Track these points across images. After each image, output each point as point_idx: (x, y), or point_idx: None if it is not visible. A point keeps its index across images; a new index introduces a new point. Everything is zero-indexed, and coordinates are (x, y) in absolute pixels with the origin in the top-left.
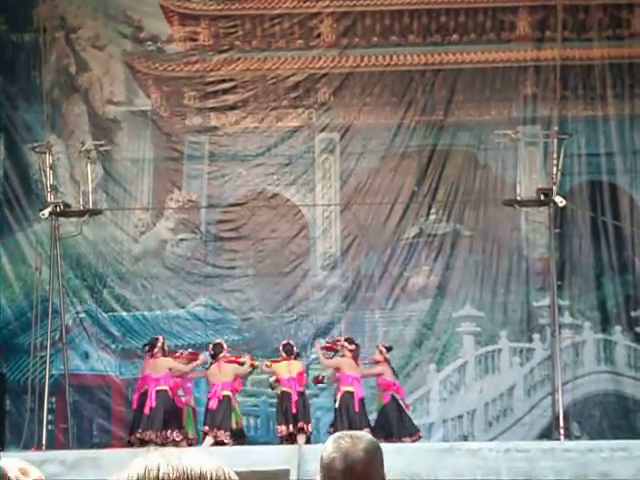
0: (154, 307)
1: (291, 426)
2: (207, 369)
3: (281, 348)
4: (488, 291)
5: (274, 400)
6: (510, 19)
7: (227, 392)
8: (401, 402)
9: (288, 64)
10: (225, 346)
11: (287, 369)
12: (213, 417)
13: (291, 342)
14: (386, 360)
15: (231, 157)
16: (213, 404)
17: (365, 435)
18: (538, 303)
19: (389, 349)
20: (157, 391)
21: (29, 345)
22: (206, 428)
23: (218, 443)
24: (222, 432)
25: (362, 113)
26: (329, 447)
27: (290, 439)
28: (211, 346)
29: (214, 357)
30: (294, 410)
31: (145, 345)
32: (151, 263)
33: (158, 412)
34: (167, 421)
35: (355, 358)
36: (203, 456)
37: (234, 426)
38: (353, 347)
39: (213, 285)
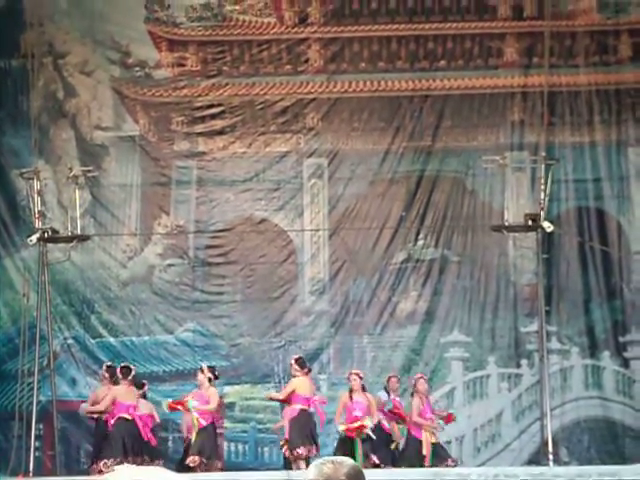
0: (142, 333)
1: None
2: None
3: (294, 362)
4: (476, 317)
5: (262, 426)
6: (497, 46)
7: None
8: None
9: (276, 89)
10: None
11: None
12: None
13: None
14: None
15: (219, 182)
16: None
17: (347, 460)
18: (526, 329)
19: None
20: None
21: (16, 371)
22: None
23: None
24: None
25: (350, 138)
26: (311, 473)
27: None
28: (207, 368)
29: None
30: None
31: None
32: (139, 288)
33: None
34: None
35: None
36: (166, 473)
37: None
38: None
39: (201, 310)
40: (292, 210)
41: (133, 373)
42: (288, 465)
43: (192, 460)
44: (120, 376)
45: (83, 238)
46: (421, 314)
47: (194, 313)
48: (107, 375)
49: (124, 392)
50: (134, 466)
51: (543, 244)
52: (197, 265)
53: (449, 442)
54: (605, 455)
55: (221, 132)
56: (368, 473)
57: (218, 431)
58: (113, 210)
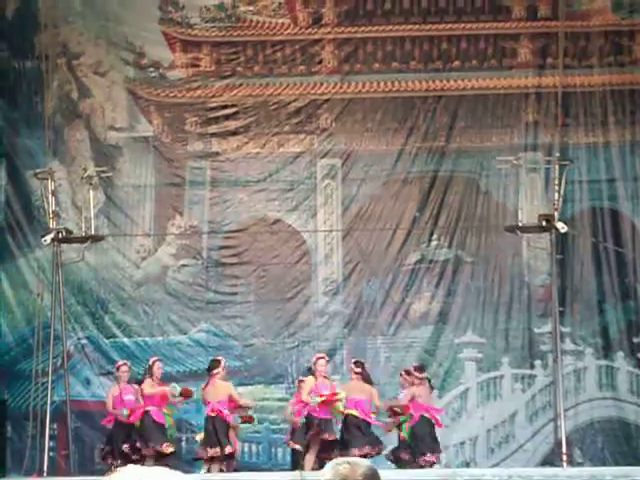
0: (156, 333)
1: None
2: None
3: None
4: (490, 317)
5: (275, 427)
6: (511, 46)
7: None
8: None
9: (290, 90)
10: (222, 364)
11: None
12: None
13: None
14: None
15: (233, 183)
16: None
17: (363, 461)
18: (540, 329)
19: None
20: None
21: (31, 371)
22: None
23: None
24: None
25: (364, 139)
26: (328, 473)
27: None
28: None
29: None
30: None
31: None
32: (153, 289)
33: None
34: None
35: (364, 381)
36: (170, 473)
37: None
38: (359, 370)
39: (215, 311)
40: (305, 211)
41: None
42: (296, 464)
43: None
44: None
45: (97, 238)
46: (435, 315)
47: (207, 314)
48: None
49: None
50: (139, 466)
51: (557, 245)
52: (211, 265)
53: (462, 443)
54: (619, 456)
55: (235, 133)
56: (383, 474)
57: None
58: (127, 210)
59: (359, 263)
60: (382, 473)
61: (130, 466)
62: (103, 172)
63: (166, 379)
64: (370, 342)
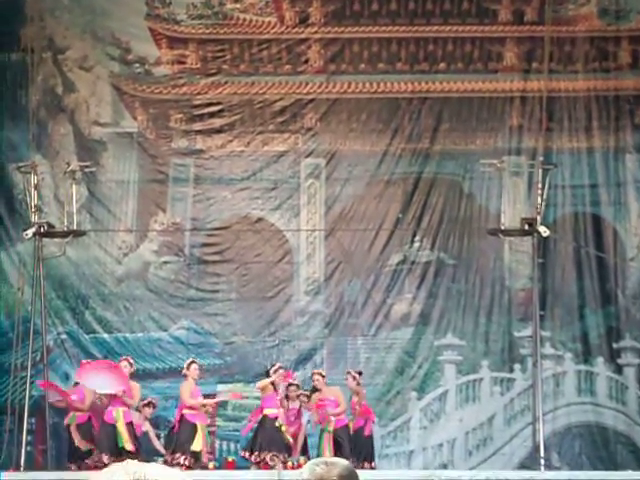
0: (136, 329)
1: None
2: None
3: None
4: (470, 320)
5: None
6: (497, 49)
7: None
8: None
9: (275, 89)
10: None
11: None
12: None
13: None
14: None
15: (216, 180)
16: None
17: (340, 461)
18: (520, 333)
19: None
20: None
21: (9, 365)
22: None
23: None
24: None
25: (348, 139)
26: (305, 473)
27: None
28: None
29: None
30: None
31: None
32: (134, 285)
33: None
34: None
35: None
36: (167, 470)
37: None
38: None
39: (196, 308)
40: (289, 210)
41: None
42: None
43: None
44: None
45: (79, 233)
46: (415, 316)
47: (188, 311)
48: None
49: None
50: (132, 462)
51: (539, 249)
52: (192, 263)
53: (440, 445)
54: (597, 461)
55: (219, 130)
56: (361, 474)
57: (210, 429)
58: (109, 206)
59: (341, 263)
60: (360, 473)
61: (127, 460)
62: (86, 167)
63: (145, 376)
64: (350, 342)
